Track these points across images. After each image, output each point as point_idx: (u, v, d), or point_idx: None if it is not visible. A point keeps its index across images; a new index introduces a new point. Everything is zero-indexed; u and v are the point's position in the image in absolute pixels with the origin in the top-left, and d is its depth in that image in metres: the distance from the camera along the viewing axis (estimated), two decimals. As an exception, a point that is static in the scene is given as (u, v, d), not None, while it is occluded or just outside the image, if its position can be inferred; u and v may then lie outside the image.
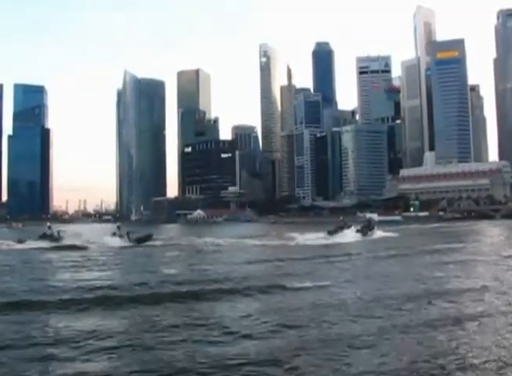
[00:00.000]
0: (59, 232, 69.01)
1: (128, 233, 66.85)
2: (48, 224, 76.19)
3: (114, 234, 67.55)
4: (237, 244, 65.70)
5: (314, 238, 69.88)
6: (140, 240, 66.01)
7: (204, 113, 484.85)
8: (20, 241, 65.26)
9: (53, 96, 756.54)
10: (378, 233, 79.08)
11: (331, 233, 73.71)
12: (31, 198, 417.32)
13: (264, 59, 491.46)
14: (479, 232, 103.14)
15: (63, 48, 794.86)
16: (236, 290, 26.40)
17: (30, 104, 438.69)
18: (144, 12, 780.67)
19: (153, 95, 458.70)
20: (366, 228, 79.11)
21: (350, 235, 71.69)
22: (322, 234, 73.01)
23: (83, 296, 24.49)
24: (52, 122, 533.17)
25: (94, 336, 16.80)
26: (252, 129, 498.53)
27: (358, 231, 75.72)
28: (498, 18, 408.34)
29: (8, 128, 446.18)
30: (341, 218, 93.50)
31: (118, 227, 70.49)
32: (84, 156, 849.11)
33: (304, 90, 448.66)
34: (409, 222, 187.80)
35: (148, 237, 68.30)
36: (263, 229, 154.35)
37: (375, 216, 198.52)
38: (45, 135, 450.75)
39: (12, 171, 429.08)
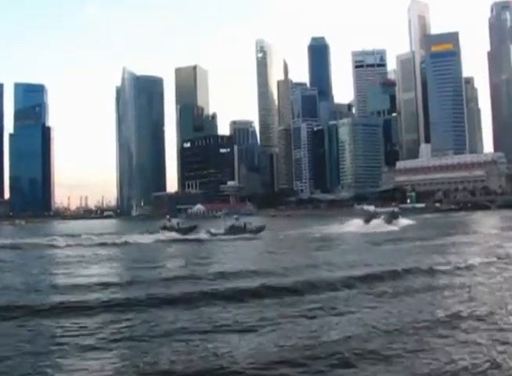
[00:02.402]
0: (178, 223, 76.02)
1: (245, 225, 73.28)
2: (168, 216, 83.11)
3: (233, 226, 73.15)
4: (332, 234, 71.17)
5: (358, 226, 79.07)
6: (257, 231, 72.62)
7: (202, 108, 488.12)
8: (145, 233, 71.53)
9: (53, 94, 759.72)
10: (404, 222, 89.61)
11: (366, 222, 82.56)
12: (33, 195, 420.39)
13: (260, 55, 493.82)
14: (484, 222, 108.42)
15: (62, 47, 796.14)
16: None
17: (31, 103, 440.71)
18: (141, 10, 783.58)
19: (152, 91, 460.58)
20: (391, 217, 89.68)
21: (383, 225, 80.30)
22: (360, 222, 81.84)
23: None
24: (52, 120, 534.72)
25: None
26: (250, 124, 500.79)
27: (384, 220, 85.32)
28: (492, 10, 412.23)
29: (9, 127, 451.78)
30: (373, 210, 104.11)
31: (236, 219, 76.18)
32: (84, 153, 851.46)
33: (301, 84, 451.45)
34: (406, 213, 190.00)
35: (262, 228, 74.91)
36: (284, 222, 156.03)
37: (372, 208, 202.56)
38: (45, 133, 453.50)
39: (13, 169, 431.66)
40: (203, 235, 69.24)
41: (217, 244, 60.29)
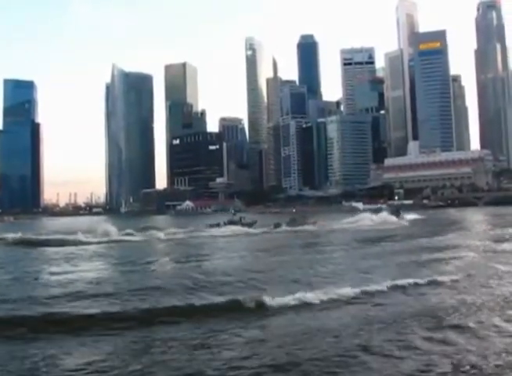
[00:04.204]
0: (241, 218, 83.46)
1: (303, 217, 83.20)
2: (233, 211, 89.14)
3: (294, 218, 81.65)
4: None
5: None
6: (313, 223, 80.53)
7: (192, 105, 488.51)
8: (213, 226, 77.74)
9: (43, 91, 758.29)
10: (410, 217, 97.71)
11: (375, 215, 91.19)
12: (22, 192, 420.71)
13: (250, 52, 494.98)
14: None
15: (51, 43, 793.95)
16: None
17: (20, 99, 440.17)
18: (131, 7, 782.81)
19: (141, 88, 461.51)
20: (397, 212, 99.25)
21: (393, 219, 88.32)
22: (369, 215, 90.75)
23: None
24: (41, 117, 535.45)
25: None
26: (239, 121, 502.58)
27: (392, 214, 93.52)
28: (478, 10, 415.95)
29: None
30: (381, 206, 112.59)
31: (298, 216, 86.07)
32: (73, 149, 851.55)
33: (290, 82, 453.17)
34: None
35: (316, 222, 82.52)
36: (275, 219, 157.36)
37: (360, 205, 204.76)
38: (35, 129, 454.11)
39: (3, 166, 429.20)
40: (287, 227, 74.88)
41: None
